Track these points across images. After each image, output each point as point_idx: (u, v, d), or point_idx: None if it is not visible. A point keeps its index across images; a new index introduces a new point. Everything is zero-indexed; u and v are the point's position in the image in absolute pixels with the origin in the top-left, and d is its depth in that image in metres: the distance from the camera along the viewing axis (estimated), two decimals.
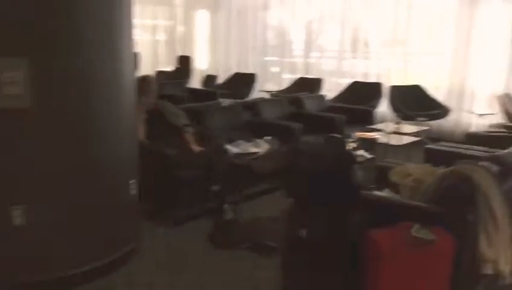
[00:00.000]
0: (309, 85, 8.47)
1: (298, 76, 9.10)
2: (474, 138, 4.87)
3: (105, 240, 3.28)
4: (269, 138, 4.72)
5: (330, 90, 8.38)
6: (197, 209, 4.17)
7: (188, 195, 4.09)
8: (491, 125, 6.41)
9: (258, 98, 7.26)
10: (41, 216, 2.97)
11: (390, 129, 5.43)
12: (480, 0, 7.13)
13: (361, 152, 4.34)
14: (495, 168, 3.04)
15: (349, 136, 5.15)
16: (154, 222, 4.03)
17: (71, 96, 3.00)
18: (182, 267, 3.42)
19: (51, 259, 3.07)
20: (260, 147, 4.56)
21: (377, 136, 5.11)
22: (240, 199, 4.14)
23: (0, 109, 2.79)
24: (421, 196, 2.98)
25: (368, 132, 5.49)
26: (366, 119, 6.46)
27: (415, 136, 5.54)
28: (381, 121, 6.74)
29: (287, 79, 9.46)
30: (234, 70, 9.90)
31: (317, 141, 4.55)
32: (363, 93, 7.64)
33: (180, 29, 10.80)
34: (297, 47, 9.62)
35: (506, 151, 3.49)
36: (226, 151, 4.29)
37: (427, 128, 6.31)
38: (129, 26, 3.29)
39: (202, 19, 10.89)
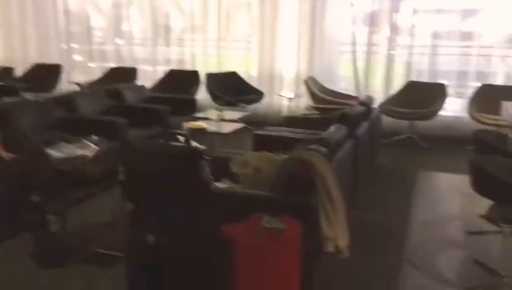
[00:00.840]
0: (123, 75, 8.04)
1: (106, 64, 8.63)
2: (292, 121, 5.17)
3: None
4: (96, 137, 4.28)
5: (145, 79, 8.15)
6: (14, 224, 3.61)
7: (2, 209, 3.52)
8: (304, 108, 6.92)
9: (70, 91, 6.65)
10: None
11: (215, 117, 5.44)
12: None
13: (194, 144, 4.23)
14: (323, 149, 3.26)
15: (177, 127, 5.01)
16: None
17: None
18: None
19: None
20: (87, 148, 4.11)
21: (205, 126, 5.06)
22: (65, 207, 3.72)
23: None
24: (262, 185, 3.03)
25: (194, 121, 5.43)
26: (189, 108, 6.39)
27: (239, 122, 5.66)
28: (202, 110, 6.76)
29: (95, 68, 8.91)
30: (34, 60, 8.89)
31: (149, 137, 4.35)
32: (180, 82, 7.57)
33: None
34: (100, 34, 9.15)
35: (328, 132, 3.75)
36: (47, 156, 3.77)
37: (247, 113, 6.53)
38: None
39: None
